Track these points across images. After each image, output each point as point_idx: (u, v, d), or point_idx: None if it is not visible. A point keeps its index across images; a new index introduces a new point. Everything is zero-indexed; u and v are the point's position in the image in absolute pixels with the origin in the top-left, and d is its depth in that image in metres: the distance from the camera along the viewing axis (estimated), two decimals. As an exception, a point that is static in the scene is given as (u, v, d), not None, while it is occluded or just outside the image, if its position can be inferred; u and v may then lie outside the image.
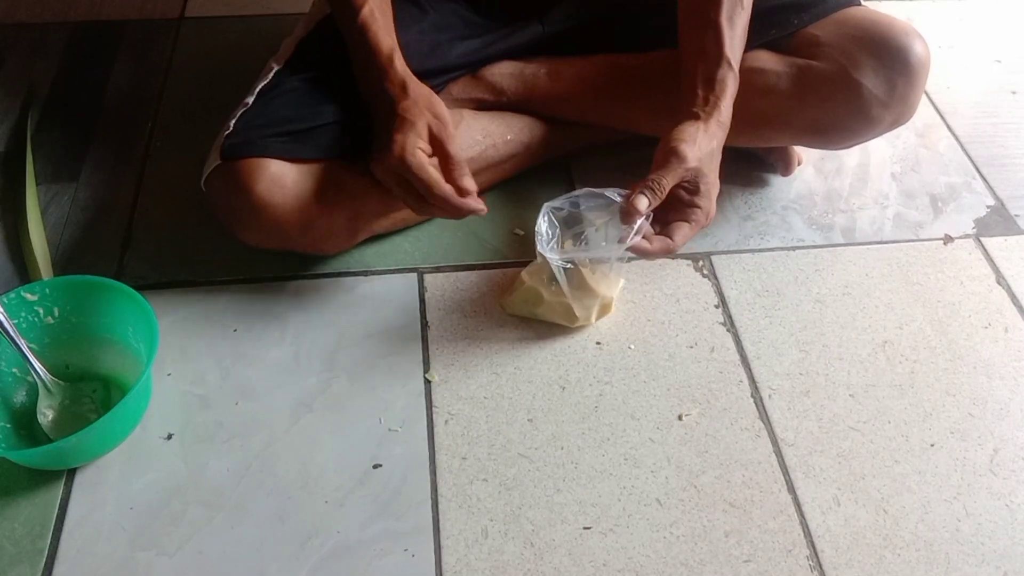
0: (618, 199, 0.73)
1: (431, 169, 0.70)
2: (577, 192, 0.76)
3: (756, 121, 0.83)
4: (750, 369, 0.78)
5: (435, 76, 0.85)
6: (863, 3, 0.84)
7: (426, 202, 0.71)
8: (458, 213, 0.72)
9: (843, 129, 0.82)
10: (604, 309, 0.80)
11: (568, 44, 0.90)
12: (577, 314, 0.77)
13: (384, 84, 0.73)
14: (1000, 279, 0.87)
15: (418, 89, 0.73)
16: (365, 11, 0.75)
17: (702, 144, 0.73)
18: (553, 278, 0.76)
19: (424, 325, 0.80)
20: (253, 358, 0.77)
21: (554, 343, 0.79)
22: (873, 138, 0.84)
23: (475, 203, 0.72)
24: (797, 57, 0.81)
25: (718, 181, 0.75)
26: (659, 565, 0.65)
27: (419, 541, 0.66)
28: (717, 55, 0.75)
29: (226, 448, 0.71)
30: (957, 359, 0.79)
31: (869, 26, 0.79)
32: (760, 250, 0.88)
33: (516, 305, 0.80)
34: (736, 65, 0.75)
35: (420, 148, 0.70)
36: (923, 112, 1.06)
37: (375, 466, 0.70)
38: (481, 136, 0.86)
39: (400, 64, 0.74)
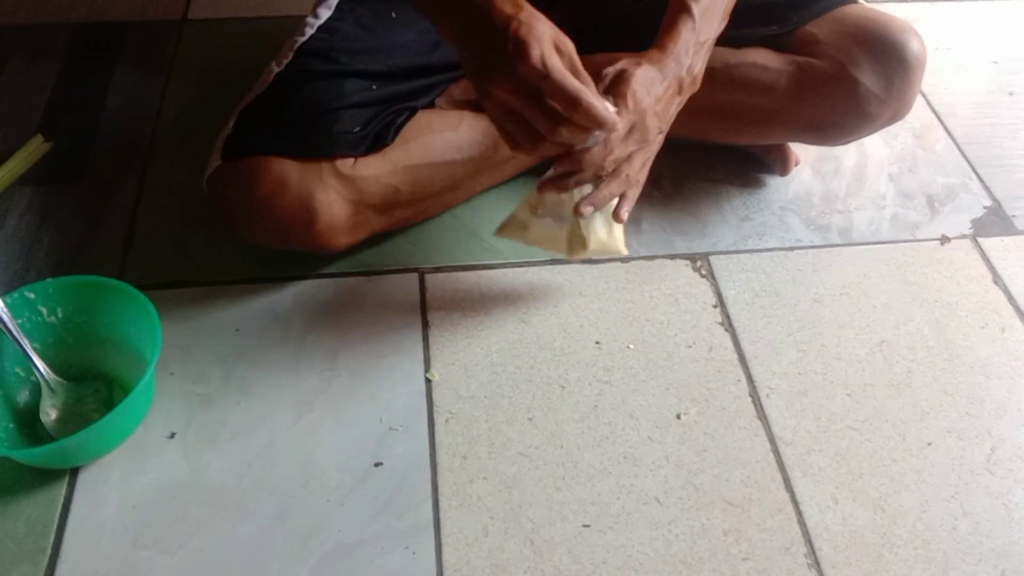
0: None
1: (571, 76, 0.62)
2: None
3: (755, 118, 0.84)
4: (748, 368, 0.78)
5: (437, 72, 0.85)
6: (861, 1, 0.85)
7: (554, 125, 0.63)
8: (599, 126, 0.63)
9: (841, 126, 0.83)
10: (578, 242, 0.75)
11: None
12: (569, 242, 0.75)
13: (490, 6, 0.64)
14: (997, 279, 0.87)
15: (531, 7, 0.65)
16: None
17: (626, 63, 0.68)
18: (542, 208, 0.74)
19: (425, 325, 0.81)
20: (255, 357, 0.77)
21: (554, 343, 0.80)
22: (870, 134, 0.85)
23: (613, 117, 0.64)
24: (795, 55, 0.82)
25: (652, 115, 0.68)
26: (658, 563, 0.66)
27: (420, 539, 0.66)
28: (677, 7, 0.72)
29: (228, 447, 0.71)
30: (954, 359, 0.80)
31: (866, 24, 0.80)
32: (758, 250, 0.89)
33: (506, 232, 0.77)
34: (697, 14, 0.71)
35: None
36: (920, 113, 1.06)
37: (376, 465, 0.71)
38: (482, 137, 0.86)
39: None
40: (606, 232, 0.76)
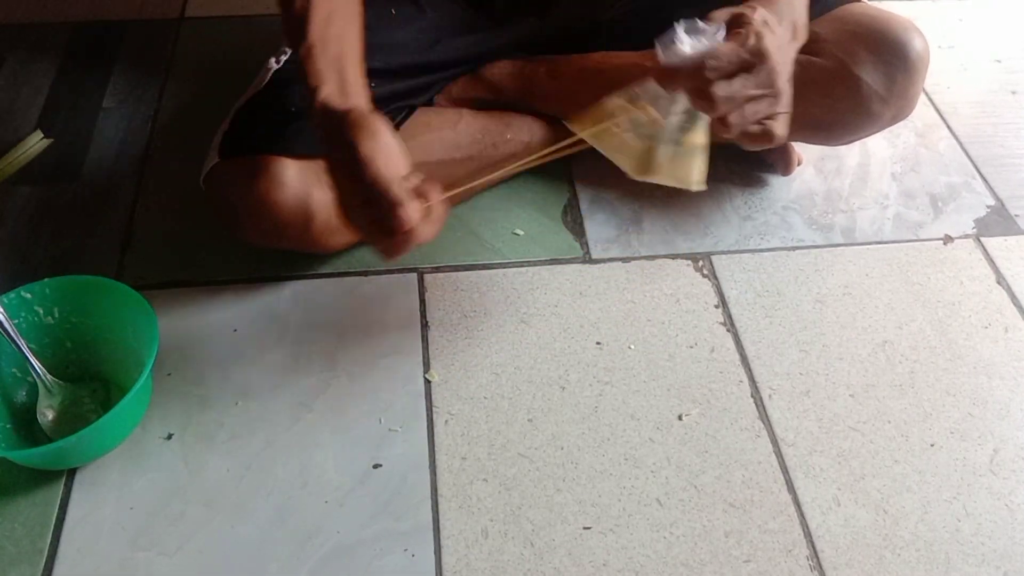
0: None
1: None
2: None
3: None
4: (750, 369, 0.78)
5: (435, 71, 0.85)
6: (863, 0, 0.84)
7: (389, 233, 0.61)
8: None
9: (843, 125, 0.82)
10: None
11: (568, 42, 0.90)
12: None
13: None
14: (1000, 279, 0.87)
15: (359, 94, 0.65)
16: (304, 46, 0.66)
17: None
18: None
19: (424, 325, 0.80)
20: (253, 358, 0.77)
21: (554, 343, 0.79)
22: (873, 133, 0.85)
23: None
24: (798, 53, 0.81)
25: (776, 52, 0.61)
26: (659, 565, 0.65)
27: (419, 541, 0.66)
28: None
29: (226, 448, 0.71)
30: (957, 359, 0.79)
31: (868, 22, 0.80)
32: (760, 250, 0.88)
33: (582, 125, 0.70)
34: None
35: None
36: (923, 112, 1.06)
37: (375, 466, 0.70)
38: (481, 135, 0.86)
39: (335, 99, 0.64)
40: (684, 160, 0.68)
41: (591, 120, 0.70)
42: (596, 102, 0.71)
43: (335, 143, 0.61)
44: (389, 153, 0.60)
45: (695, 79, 0.61)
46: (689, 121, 0.67)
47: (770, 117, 0.63)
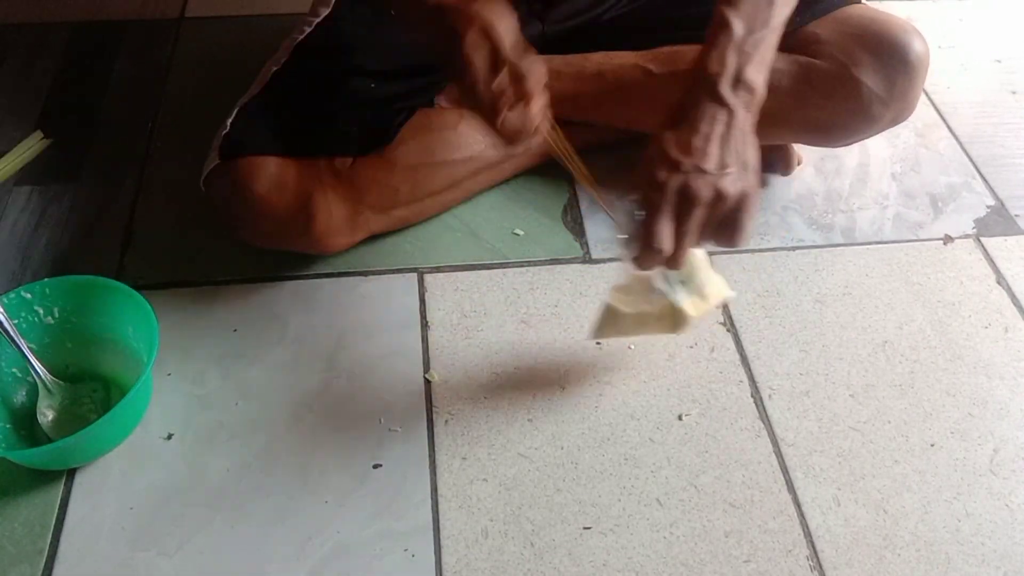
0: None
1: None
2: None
3: (757, 119, 0.83)
4: (750, 369, 0.78)
5: (435, 72, 0.85)
6: (863, 1, 0.84)
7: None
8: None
9: (843, 127, 0.82)
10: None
11: (568, 43, 0.90)
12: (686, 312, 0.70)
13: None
14: (1000, 279, 0.87)
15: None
16: None
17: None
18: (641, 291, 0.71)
19: (424, 325, 0.80)
20: (253, 358, 0.77)
21: (554, 343, 0.79)
22: (872, 135, 0.84)
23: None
24: (798, 55, 0.81)
25: (689, 177, 0.61)
26: (659, 565, 0.65)
27: (419, 541, 0.66)
28: (718, 21, 0.64)
29: (226, 448, 0.71)
30: (957, 359, 0.79)
31: (869, 24, 0.80)
32: (760, 250, 0.88)
33: (603, 330, 0.73)
34: (734, 20, 0.63)
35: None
36: (923, 112, 1.06)
37: (375, 466, 0.70)
38: (481, 136, 0.86)
39: None
40: (699, 293, 0.70)
41: (608, 323, 0.72)
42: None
43: (473, 27, 0.61)
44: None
45: (656, 256, 0.62)
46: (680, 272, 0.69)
47: (731, 220, 0.62)
